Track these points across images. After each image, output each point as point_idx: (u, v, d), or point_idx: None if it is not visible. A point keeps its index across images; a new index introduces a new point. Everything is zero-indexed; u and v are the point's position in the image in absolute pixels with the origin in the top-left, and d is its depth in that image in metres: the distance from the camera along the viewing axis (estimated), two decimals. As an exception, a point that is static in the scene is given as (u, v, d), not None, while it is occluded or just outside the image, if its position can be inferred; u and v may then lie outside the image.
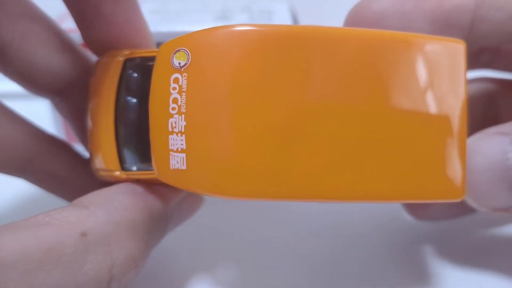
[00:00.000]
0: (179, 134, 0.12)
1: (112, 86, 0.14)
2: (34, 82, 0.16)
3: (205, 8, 0.25)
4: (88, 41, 0.16)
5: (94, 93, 0.15)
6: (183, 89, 0.12)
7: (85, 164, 0.17)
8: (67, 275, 0.11)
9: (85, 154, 0.18)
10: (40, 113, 0.20)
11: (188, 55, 0.12)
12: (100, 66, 0.15)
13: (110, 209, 0.13)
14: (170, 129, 0.12)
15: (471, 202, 0.14)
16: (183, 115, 0.12)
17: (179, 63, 0.12)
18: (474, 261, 0.18)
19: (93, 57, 0.17)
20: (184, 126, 0.12)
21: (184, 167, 0.12)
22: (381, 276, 0.17)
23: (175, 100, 0.12)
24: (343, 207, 0.21)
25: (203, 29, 0.12)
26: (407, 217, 0.19)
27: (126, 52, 0.15)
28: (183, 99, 0.12)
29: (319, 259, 0.18)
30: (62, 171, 0.17)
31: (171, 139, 0.12)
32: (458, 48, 0.13)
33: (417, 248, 0.18)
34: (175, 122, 0.12)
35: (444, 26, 0.15)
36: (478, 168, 0.13)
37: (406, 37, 0.12)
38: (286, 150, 0.11)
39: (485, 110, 0.20)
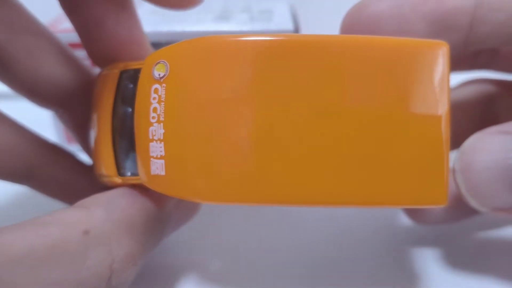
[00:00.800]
0: (159, 142, 0.13)
1: (110, 97, 0.16)
2: (39, 94, 0.18)
3: (205, 8, 0.25)
4: (92, 54, 0.18)
5: (96, 104, 0.16)
6: (162, 99, 0.13)
7: (86, 169, 0.19)
8: (70, 270, 0.12)
9: (86, 159, 0.19)
10: (40, 113, 0.21)
11: (167, 67, 0.13)
12: (101, 78, 0.17)
13: (110, 209, 0.14)
14: (150, 137, 0.13)
15: (471, 202, 0.14)
16: (162, 124, 0.13)
17: (159, 74, 0.13)
18: (474, 264, 0.18)
19: (94, 69, 0.18)
20: (163, 134, 0.13)
21: (163, 173, 0.13)
22: (380, 279, 0.18)
23: (155, 110, 0.13)
24: (344, 210, 0.21)
25: (182, 42, 0.13)
26: (406, 220, 0.20)
27: (122, 64, 0.16)
28: (162, 109, 0.13)
29: (318, 261, 0.19)
30: (64, 177, 0.18)
31: (151, 146, 0.13)
32: (441, 50, 0.13)
33: (416, 251, 0.19)
34: (155, 130, 0.13)
35: (442, 28, 0.16)
36: (479, 166, 0.14)
37: (383, 41, 0.13)
38: (262, 157, 0.12)
39: (484, 111, 0.20)
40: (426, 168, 0.13)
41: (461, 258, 0.18)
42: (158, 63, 0.13)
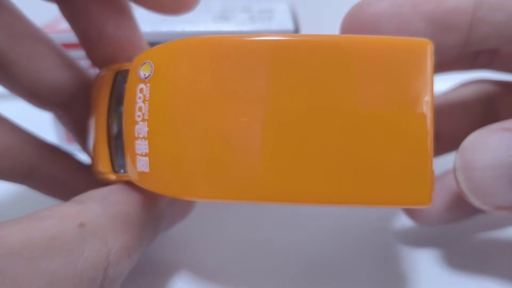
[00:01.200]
0: (143, 139, 0.13)
1: (105, 97, 0.16)
2: (39, 97, 0.18)
3: (205, 8, 0.25)
4: (92, 57, 0.18)
5: (93, 104, 0.17)
6: (146, 98, 0.13)
7: (85, 169, 0.19)
8: (68, 262, 0.12)
9: (85, 159, 0.20)
10: (40, 113, 0.22)
11: (152, 67, 0.13)
12: (99, 79, 0.17)
13: (105, 204, 0.14)
14: (136, 135, 0.14)
15: (473, 200, 0.14)
16: (146, 122, 0.13)
17: (144, 75, 0.14)
18: (474, 265, 0.18)
19: (92, 71, 0.19)
20: (147, 132, 0.13)
21: (147, 170, 0.14)
22: (379, 279, 0.18)
23: (140, 108, 0.14)
24: (342, 209, 0.21)
25: (166, 43, 0.14)
26: (406, 220, 0.20)
27: (117, 65, 0.17)
28: (146, 107, 0.13)
29: (316, 261, 0.19)
30: (63, 177, 0.19)
31: (137, 144, 0.14)
32: (425, 48, 0.13)
33: (416, 251, 0.19)
34: (140, 129, 0.14)
35: (442, 29, 0.16)
36: (481, 164, 0.14)
37: (369, 40, 0.13)
38: (237, 154, 0.13)
39: (484, 112, 0.20)
40: (410, 168, 0.13)
41: (461, 259, 0.18)
42: (144, 63, 0.14)
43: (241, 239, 0.20)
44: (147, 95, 0.13)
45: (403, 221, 0.20)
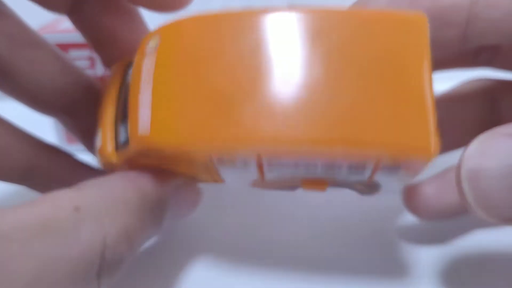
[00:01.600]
0: (147, 95, 0.14)
1: (116, 86, 0.18)
2: (41, 103, 0.19)
3: (205, 8, 0.25)
4: (105, 59, 0.20)
5: (105, 93, 0.18)
6: (151, 67, 0.14)
7: (84, 168, 0.20)
8: (63, 245, 0.13)
9: (84, 159, 0.20)
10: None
11: (158, 40, 0.15)
12: (112, 69, 0.19)
13: (102, 189, 0.15)
14: (140, 99, 0.15)
15: (479, 212, 0.14)
16: (150, 85, 0.14)
17: (151, 47, 0.15)
18: (474, 265, 0.18)
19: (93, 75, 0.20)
20: (151, 94, 0.14)
21: (149, 130, 0.14)
22: (380, 280, 0.18)
23: (145, 75, 0.15)
24: (343, 207, 0.22)
25: (174, 20, 0.15)
26: (407, 220, 0.20)
27: (128, 57, 0.18)
28: (151, 74, 0.14)
29: (316, 259, 0.19)
30: (63, 177, 0.19)
31: (140, 106, 0.15)
32: (418, 20, 0.14)
33: (417, 252, 0.19)
34: (144, 90, 0.15)
35: (440, 24, 0.16)
36: (488, 173, 0.13)
37: (357, 13, 0.14)
38: (232, 106, 0.13)
39: (487, 110, 0.20)
40: (411, 119, 0.13)
41: (461, 258, 0.19)
42: (152, 37, 0.15)
43: (241, 239, 0.20)
44: (153, 64, 0.14)
45: (404, 221, 0.21)
